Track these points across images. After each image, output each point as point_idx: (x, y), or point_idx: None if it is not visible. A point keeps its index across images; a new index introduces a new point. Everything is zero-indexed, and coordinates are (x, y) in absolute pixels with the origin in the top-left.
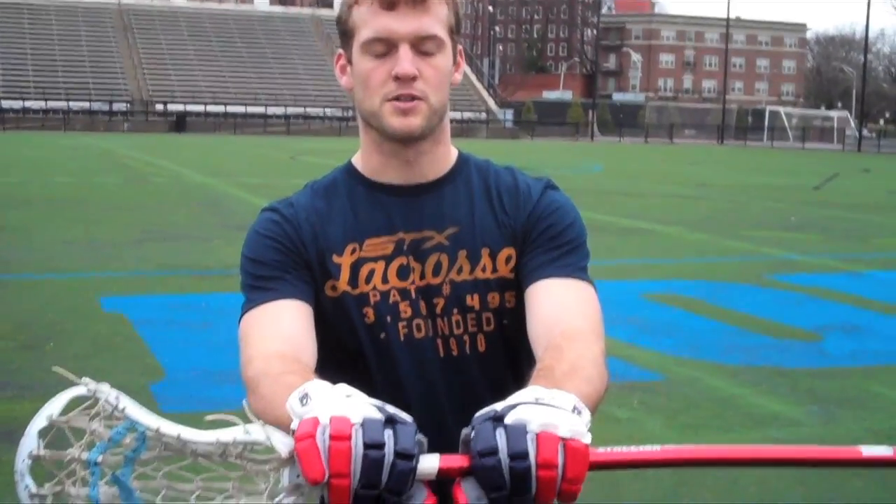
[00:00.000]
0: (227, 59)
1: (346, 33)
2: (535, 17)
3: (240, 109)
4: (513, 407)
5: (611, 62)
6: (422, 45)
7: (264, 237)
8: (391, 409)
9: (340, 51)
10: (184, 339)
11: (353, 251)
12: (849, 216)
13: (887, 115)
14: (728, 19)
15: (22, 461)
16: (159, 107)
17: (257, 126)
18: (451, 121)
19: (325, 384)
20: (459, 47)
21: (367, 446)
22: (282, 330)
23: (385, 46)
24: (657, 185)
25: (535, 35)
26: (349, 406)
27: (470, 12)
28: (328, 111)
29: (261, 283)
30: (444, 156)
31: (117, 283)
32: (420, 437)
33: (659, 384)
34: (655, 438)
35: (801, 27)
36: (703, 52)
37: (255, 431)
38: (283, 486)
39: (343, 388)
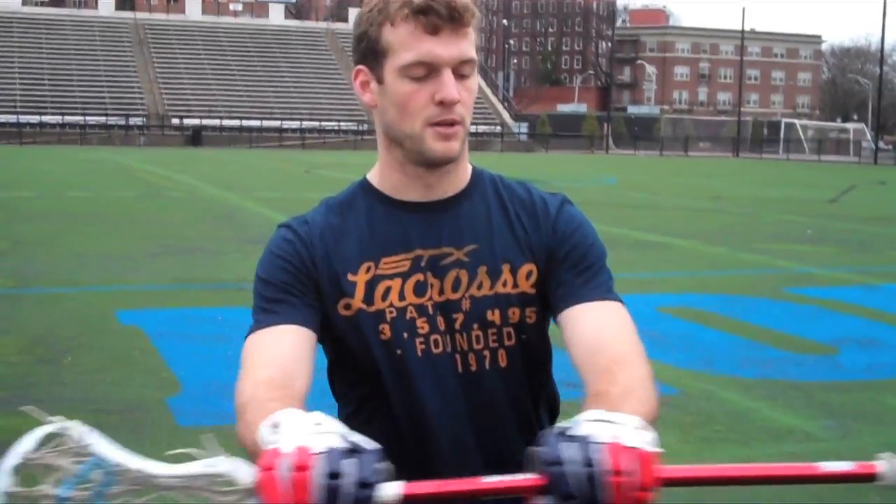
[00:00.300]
0: (243, 73)
1: (376, 52)
2: (550, 29)
3: (255, 123)
4: (579, 423)
5: (625, 75)
6: (461, 69)
7: (276, 256)
8: (356, 437)
9: (361, 67)
10: (199, 353)
11: (369, 269)
12: (865, 229)
13: None
14: (743, 31)
15: None
16: (175, 121)
17: (273, 140)
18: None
19: (298, 413)
20: None
21: (326, 476)
22: (276, 356)
23: (426, 70)
24: (672, 197)
25: (550, 48)
26: (313, 436)
27: (485, 26)
28: (343, 125)
29: (266, 305)
30: (463, 172)
31: (133, 297)
32: (383, 465)
33: (674, 398)
34: (671, 453)
35: (817, 39)
36: (718, 64)
37: (220, 463)
38: None
39: (315, 416)
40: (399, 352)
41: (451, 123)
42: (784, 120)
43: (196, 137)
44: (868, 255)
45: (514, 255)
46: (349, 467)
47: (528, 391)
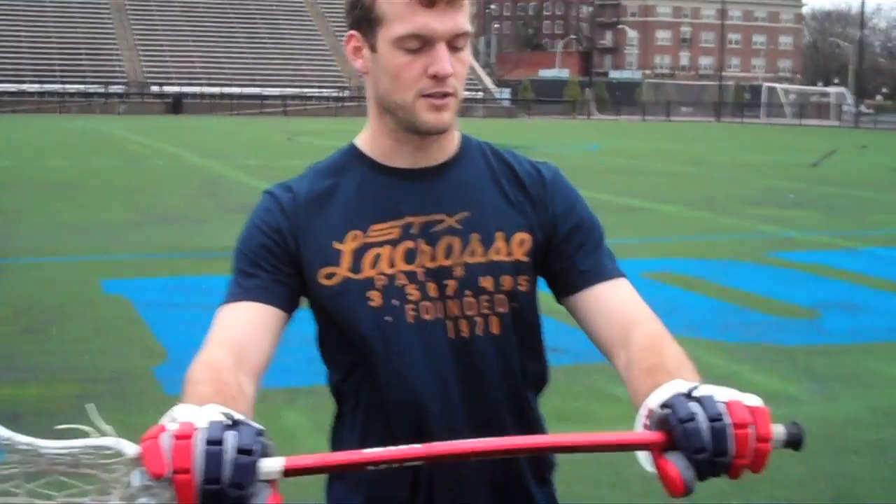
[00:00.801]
0: (223, 40)
1: (369, 20)
2: None
3: (236, 91)
4: (696, 387)
5: (607, 39)
6: (455, 42)
7: (254, 227)
8: (238, 416)
9: (354, 33)
10: (185, 322)
11: (356, 237)
12: (846, 193)
13: (884, 90)
14: None
15: None
16: (155, 89)
17: (254, 107)
18: None
19: (193, 407)
20: None
21: (208, 443)
22: (231, 335)
23: (420, 42)
24: (655, 163)
25: (531, 13)
26: (196, 415)
27: None
28: (324, 91)
29: (238, 278)
30: (452, 139)
31: (117, 266)
32: (265, 440)
33: None
34: None
35: (798, 2)
36: (699, 28)
37: (105, 438)
38: (133, 488)
39: (210, 408)
40: (389, 318)
41: (444, 95)
42: (765, 84)
43: (177, 105)
44: (850, 219)
45: (508, 223)
46: (230, 436)
47: (519, 360)
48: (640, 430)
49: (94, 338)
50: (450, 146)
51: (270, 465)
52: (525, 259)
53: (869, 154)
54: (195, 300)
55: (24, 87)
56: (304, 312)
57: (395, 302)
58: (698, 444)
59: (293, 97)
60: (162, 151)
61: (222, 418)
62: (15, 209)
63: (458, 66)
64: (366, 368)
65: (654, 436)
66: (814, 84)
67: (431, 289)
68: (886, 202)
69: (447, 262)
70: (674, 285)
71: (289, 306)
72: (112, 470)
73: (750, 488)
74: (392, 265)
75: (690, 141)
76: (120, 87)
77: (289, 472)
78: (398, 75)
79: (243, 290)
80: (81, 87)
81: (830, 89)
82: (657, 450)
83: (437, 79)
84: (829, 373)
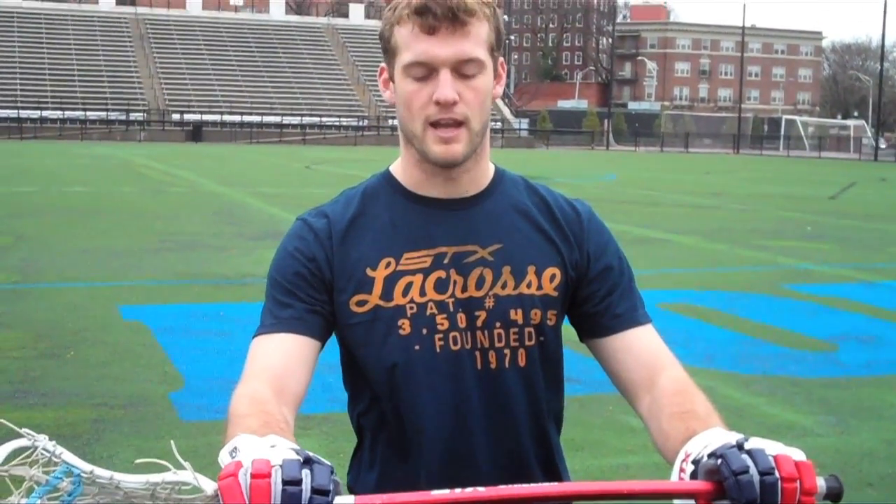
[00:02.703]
0: (243, 69)
1: (388, 51)
2: (551, 25)
3: (256, 119)
4: (746, 439)
5: (626, 70)
6: (462, 69)
7: (288, 255)
8: (310, 453)
9: (383, 65)
10: (202, 348)
11: (388, 265)
12: (865, 226)
13: None
14: (744, 27)
15: None
16: (176, 116)
17: (273, 136)
18: None
19: (254, 438)
20: (501, 60)
21: (285, 482)
22: (269, 367)
23: (425, 70)
24: (672, 194)
25: (550, 43)
26: (270, 451)
27: None
28: (343, 120)
29: (273, 307)
30: (485, 171)
31: (136, 292)
32: (336, 477)
33: None
34: None
35: (818, 35)
36: (718, 60)
37: (183, 473)
38: None
39: (270, 439)
40: (417, 347)
41: (452, 122)
42: (784, 116)
43: (196, 133)
44: (868, 252)
45: (539, 258)
46: (306, 476)
47: (543, 394)
48: (676, 474)
49: (111, 363)
50: (482, 178)
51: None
52: (555, 294)
53: (888, 187)
54: (212, 327)
55: (46, 113)
56: None
57: (424, 331)
58: (750, 498)
59: (312, 126)
60: (181, 178)
61: (296, 456)
62: (36, 235)
63: (468, 94)
64: (390, 400)
65: (704, 485)
66: (833, 117)
67: (461, 319)
68: None
69: (478, 294)
70: (690, 316)
71: (323, 335)
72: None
73: None
74: (423, 294)
75: (708, 173)
76: (140, 114)
77: None
78: (408, 103)
79: (278, 320)
80: (102, 114)
81: (850, 122)
82: (705, 499)
83: (440, 105)
84: (844, 405)
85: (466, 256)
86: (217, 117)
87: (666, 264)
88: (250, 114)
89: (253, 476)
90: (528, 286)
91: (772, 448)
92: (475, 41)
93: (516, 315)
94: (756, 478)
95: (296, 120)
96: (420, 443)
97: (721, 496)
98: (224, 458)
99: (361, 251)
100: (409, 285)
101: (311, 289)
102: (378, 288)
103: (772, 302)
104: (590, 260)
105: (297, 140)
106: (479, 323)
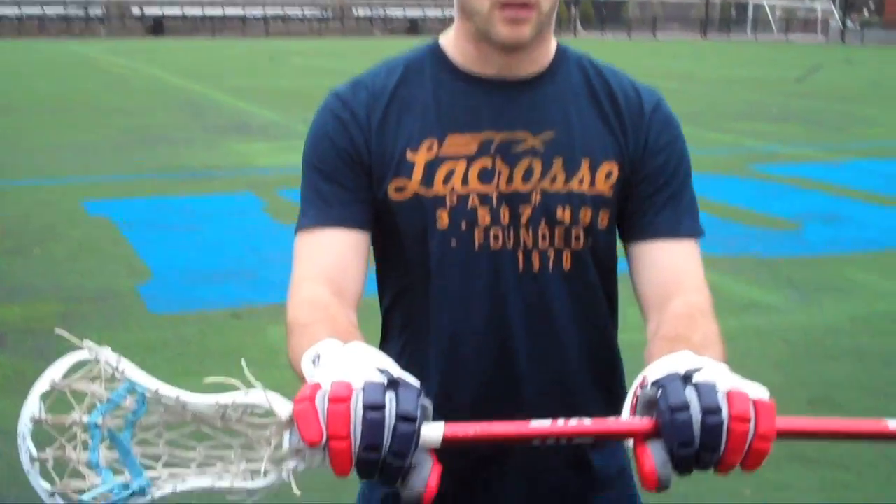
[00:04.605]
0: None
1: None
2: None
3: (217, 11)
4: (697, 369)
5: None
6: None
7: (327, 137)
8: (396, 372)
9: None
10: (169, 241)
11: (431, 147)
12: (831, 107)
13: (871, 5)
14: None
15: (24, 425)
16: (136, 10)
17: (235, 28)
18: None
19: (337, 344)
20: None
21: (366, 408)
22: (324, 266)
23: None
24: (641, 79)
25: None
26: (352, 370)
27: None
28: (307, 11)
29: (315, 197)
30: (546, 51)
31: (101, 188)
32: (425, 401)
33: None
34: (637, 328)
35: None
36: None
37: (255, 395)
38: (284, 451)
39: (355, 346)
40: (454, 243)
41: (523, 6)
42: (752, 0)
43: (157, 27)
44: (833, 133)
45: (597, 150)
46: (390, 400)
47: (591, 302)
48: (629, 402)
49: (77, 258)
50: (543, 57)
51: (431, 434)
52: (608, 193)
53: (854, 69)
54: (179, 220)
55: (3, 10)
56: (289, 229)
57: (463, 225)
58: (684, 439)
59: (275, 18)
60: (144, 73)
61: (380, 377)
62: (0, 132)
63: None
64: (421, 298)
65: (642, 423)
66: None
67: (504, 215)
68: (869, 116)
69: (524, 188)
70: None
71: (371, 226)
72: (261, 427)
73: None
74: (465, 183)
75: (676, 58)
76: (99, 8)
77: (448, 442)
78: None
79: (324, 213)
80: (60, 9)
81: (817, 4)
82: (640, 437)
83: None
84: (809, 283)
85: (515, 145)
86: (178, 11)
87: None
88: (211, 6)
89: (331, 401)
90: (581, 182)
91: (726, 382)
92: None
93: (563, 214)
94: (696, 416)
95: (258, 11)
96: (448, 346)
97: (657, 434)
98: (307, 368)
99: (402, 130)
100: (450, 172)
101: (354, 174)
102: (418, 173)
103: (738, 183)
104: (647, 153)
105: (260, 33)
106: (523, 220)
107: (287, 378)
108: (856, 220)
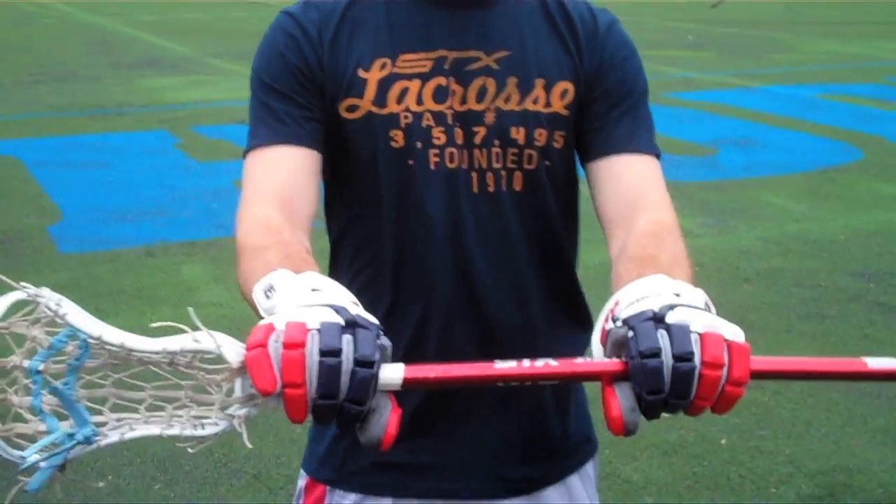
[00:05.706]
0: None
1: None
2: None
3: None
4: (671, 307)
5: None
6: None
7: (279, 54)
8: (353, 310)
9: None
10: (79, 180)
11: (384, 66)
12: (745, 33)
13: None
14: None
15: None
16: None
17: None
18: None
19: (290, 275)
20: None
21: (322, 353)
22: (276, 186)
23: None
24: None
25: None
26: (307, 309)
27: None
28: None
29: (266, 115)
30: None
31: (7, 127)
32: (384, 341)
33: None
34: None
35: None
36: None
37: (205, 340)
38: (235, 397)
39: (309, 278)
40: (410, 162)
41: None
42: None
43: None
44: (748, 59)
45: (551, 70)
46: (347, 344)
47: (548, 225)
48: (599, 327)
49: None
50: None
51: (390, 377)
52: (564, 112)
53: None
54: (89, 158)
55: None
56: (203, 166)
57: (419, 144)
58: (653, 388)
59: None
60: (50, 8)
61: (336, 318)
62: None
63: None
64: (373, 222)
65: (609, 366)
66: None
67: (459, 135)
68: (782, 41)
69: (478, 107)
70: None
71: (323, 147)
72: (213, 373)
73: None
74: (420, 102)
75: None
76: None
77: (408, 384)
78: None
79: (275, 131)
80: None
81: None
82: (607, 379)
83: None
84: (724, 207)
85: (468, 63)
86: None
87: None
88: None
89: (286, 346)
90: (535, 102)
91: (700, 322)
92: None
93: (517, 134)
94: (668, 362)
95: None
96: (407, 271)
97: (625, 377)
98: (259, 298)
99: (353, 49)
100: (404, 91)
101: (307, 92)
102: (371, 91)
103: (653, 110)
104: (600, 71)
105: None
106: (476, 140)
107: (203, 316)
108: (770, 145)
